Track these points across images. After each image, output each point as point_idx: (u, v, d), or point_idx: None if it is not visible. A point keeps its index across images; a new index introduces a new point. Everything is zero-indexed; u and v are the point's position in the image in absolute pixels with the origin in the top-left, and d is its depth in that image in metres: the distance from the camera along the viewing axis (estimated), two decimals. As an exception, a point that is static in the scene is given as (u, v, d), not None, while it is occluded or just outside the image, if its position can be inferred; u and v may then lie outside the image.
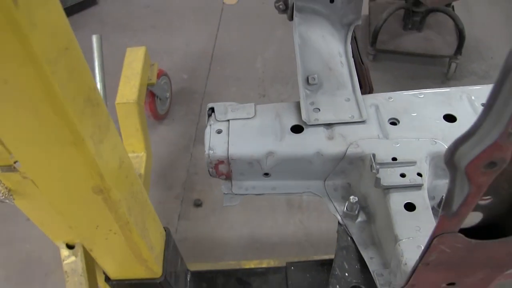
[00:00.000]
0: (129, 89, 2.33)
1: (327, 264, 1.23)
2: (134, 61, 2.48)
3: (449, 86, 2.82)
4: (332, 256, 1.16)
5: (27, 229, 2.59)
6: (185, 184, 2.78)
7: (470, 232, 0.70)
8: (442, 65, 3.27)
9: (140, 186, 0.97)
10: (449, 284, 0.85)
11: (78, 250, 1.73)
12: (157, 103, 2.90)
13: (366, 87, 1.41)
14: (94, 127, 0.74)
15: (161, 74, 2.89)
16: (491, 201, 0.71)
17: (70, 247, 1.73)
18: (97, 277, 1.81)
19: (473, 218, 0.80)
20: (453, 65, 3.10)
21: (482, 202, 0.71)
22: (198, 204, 2.68)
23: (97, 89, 0.76)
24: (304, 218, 2.58)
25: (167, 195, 2.73)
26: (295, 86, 3.16)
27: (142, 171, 2.26)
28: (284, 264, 1.26)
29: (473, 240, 0.70)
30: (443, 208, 0.64)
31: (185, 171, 2.84)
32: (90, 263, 1.75)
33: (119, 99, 2.25)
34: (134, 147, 2.30)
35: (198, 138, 2.99)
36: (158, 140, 2.97)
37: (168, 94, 3.05)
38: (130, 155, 0.98)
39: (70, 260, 1.73)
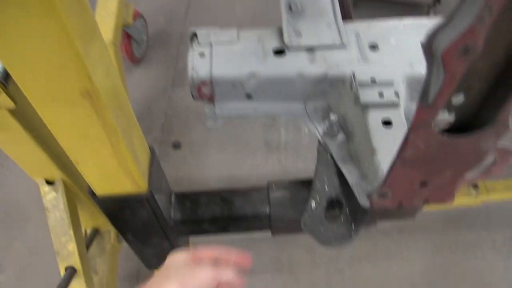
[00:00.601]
0: (104, 29, 2.30)
1: (307, 182, 1.27)
2: (109, 1, 2.44)
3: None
4: (312, 177, 1.20)
5: (2, 176, 2.59)
6: (163, 126, 2.79)
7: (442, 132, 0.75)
8: (421, 13, 3.29)
9: (126, 99, 0.99)
10: (421, 185, 0.90)
11: (59, 185, 1.74)
12: (133, 45, 2.88)
13: (346, 16, 1.43)
14: (82, 29, 0.75)
15: (137, 15, 2.85)
16: (463, 99, 0.75)
17: (49, 183, 1.74)
18: (79, 213, 1.84)
19: (446, 121, 0.84)
20: (432, 14, 3.13)
21: (455, 101, 0.75)
22: (177, 146, 2.70)
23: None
24: (282, 158, 2.63)
25: (145, 138, 2.73)
26: (276, 27, 3.18)
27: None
28: (266, 185, 1.30)
29: (445, 135, 0.75)
30: (420, 99, 0.68)
31: (163, 113, 2.84)
32: (71, 199, 1.77)
33: (94, 38, 2.23)
34: (111, 89, 2.29)
35: (176, 81, 2.98)
36: (135, 84, 2.96)
37: (144, 37, 3.02)
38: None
39: (50, 196, 1.74)
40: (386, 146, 1.04)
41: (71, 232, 1.71)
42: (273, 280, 2.24)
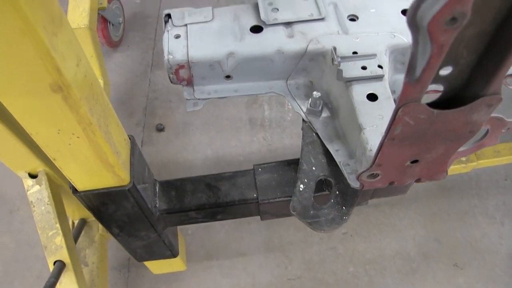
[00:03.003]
0: (79, 14, 2.23)
1: (294, 163, 1.24)
2: (82, -16, 2.37)
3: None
4: (298, 157, 1.17)
5: (-15, 168, 2.54)
6: (146, 110, 2.75)
7: (430, 106, 0.72)
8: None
9: (100, 88, 0.94)
10: (412, 163, 0.87)
11: (42, 178, 1.70)
12: (110, 29, 2.81)
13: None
14: (46, 19, 0.70)
15: (111, -2, 2.79)
16: (451, 71, 0.71)
17: (32, 176, 1.70)
18: (64, 205, 1.80)
19: (435, 93, 0.81)
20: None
21: (442, 73, 0.71)
22: (160, 129, 2.66)
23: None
24: (267, 135, 2.60)
25: (128, 122, 2.69)
26: (251, 3, 3.13)
27: (101, 97, 2.22)
28: (251, 168, 1.27)
29: (435, 110, 0.72)
30: (407, 75, 0.64)
31: (145, 97, 2.79)
32: (55, 191, 1.73)
33: (69, 24, 2.16)
34: (90, 75, 2.24)
35: (156, 63, 2.93)
36: (114, 68, 2.91)
37: (121, 20, 2.95)
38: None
39: (34, 189, 1.71)
40: (373, 121, 1.01)
41: (58, 225, 1.68)
42: (266, 261, 2.23)
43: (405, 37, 1.17)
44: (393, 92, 1.15)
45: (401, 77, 1.21)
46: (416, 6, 0.56)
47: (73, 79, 0.79)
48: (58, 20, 0.77)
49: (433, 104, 0.74)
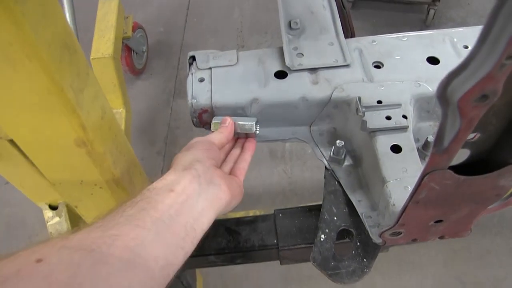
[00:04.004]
0: (104, 43, 2.27)
1: (315, 210, 1.23)
2: (108, 14, 2.40)
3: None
4: (319, 202, 1.16)
5: (7, 193, 2.56)
6: (167, 139, 2.76)
7: (456, 170, 0.70)
8: (421, 12, 3.24)
9: (124, 138, 0.94)
10: (436, 222, 0.86)
11: (62, 210, 1.71)
12: (133, 57, 2.84)
13: (348, 32, 1.39)
14: (73, 76, 0.71)
15: (136, 27, 2.82)
16: (479, 137, 0.70)
17: (53, 208, 1.72)
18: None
19: (461, 156, 0.80)
20: (432, 11, 3.08)
21: (470, 139, 0.71)
22: (181, 158, 2.66)
23: (73, 34, 0.72)
24: (288, 168, 2.59)
25: (149, 150, 2.71)
26: (274, 36, 3.15)
27: (122, 127, 2.24)
28: (272, 212, 1.26)
29: (461, 176, 0.70)
30: (434, 145, 0.63)
31: (166, 125, 2.81)
32: (75, 223, 1.74)
33: (94, 54, 2.19)
34: (112, 103, 2.26)
35: (178, 92, 2.95)
36: (137, 95, 2.93)
37: (144, 48, 2.98)
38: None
39: (54, 221, 1.72)
40: (397, 174, 1.00)
41: (75, 258, 1.69)
42: (283, 295, 2.21)
43: (430, 86, 1.16)
44: (416, 140, 1.14)
45: (425, 125, 1.20)
46: (446, 82, 0.56)
47: (97, 134, 0.79)
48: (84, 74, 0.78)
49: (459, 167, 0.72)
